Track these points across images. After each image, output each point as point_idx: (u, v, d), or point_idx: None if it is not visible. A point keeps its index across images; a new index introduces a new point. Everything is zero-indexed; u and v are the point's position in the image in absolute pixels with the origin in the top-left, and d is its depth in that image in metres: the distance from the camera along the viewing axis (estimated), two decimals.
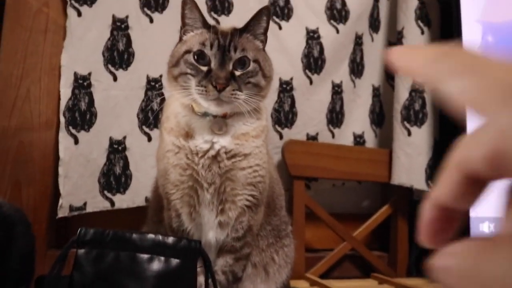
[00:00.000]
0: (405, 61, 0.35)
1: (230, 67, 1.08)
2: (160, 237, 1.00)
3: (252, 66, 1.11)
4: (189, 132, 1.13)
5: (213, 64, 1.07)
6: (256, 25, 1.16)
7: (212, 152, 1.11)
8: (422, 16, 1.91)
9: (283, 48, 1.79)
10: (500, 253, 0.27)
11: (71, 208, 1.51)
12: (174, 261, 0.97)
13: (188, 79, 1.08)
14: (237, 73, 1.09)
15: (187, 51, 1.10)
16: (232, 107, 1.09)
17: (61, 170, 1.50)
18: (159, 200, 1.24)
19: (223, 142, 1.11)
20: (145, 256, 0.97)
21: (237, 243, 1.17)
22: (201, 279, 1.07)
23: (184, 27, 1.16)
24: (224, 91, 1.04)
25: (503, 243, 0.28)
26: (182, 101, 1.14)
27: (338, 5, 1.90)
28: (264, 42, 1.18)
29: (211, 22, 1.58)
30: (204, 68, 1.07)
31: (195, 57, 1.09)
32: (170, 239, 1.00)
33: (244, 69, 1.10)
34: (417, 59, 0.34)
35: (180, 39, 1.17)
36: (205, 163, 1.11)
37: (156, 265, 0.96)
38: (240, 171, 1.13)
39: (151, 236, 0.99)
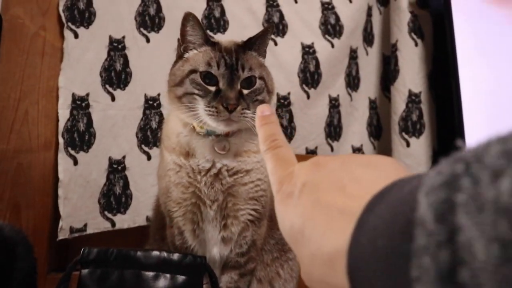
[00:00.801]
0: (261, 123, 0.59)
1: (238, 86, 1.06)
2: (165, 253, 0.98)
3: (258, 83, 1.10)
4: (189, 151, 1.11)
5: (221, 84, 1.05)
6: (261, 43, 1.15)
7: (214, 171, 1.10)
8: (415, 28, 1.94)
9: (280, 64, 1.80)
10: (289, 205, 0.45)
11: (72, 230, 1.49)
12: (180, 278, 0.96)
13: (194, 99, 1.05)
14: (245, 91, 1.07)
15: (193, 71, 1.07)
16: (240, 125, 1.07)
17: (60, 191, 1.49)
18: (161, 218, 1.23)
19: (225, 160, 1.10)
20: (150, 273, 0.96)
21: (241, 258, 1.16)
22: None
23: (184, 44, 1.13)
24: (235, 111, 1.02)
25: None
26: (185, 121, 1.11)
27: (332, 20, 1.93)
28: (265, 57, 1.19)
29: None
30: (213, 89, 1.05)
31: (202, 77, 1.06)
32: (175, 256, 0.98)
33: (252, 87, 1.08)
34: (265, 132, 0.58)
35: (180, 57, 1.14)
36: (207, 181, 1.10)
37: (162, 282, 0.95)
38: (242, 187, 1.13)
39: (155, 253, 0.98)
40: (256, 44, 1.14)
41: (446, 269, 0.25)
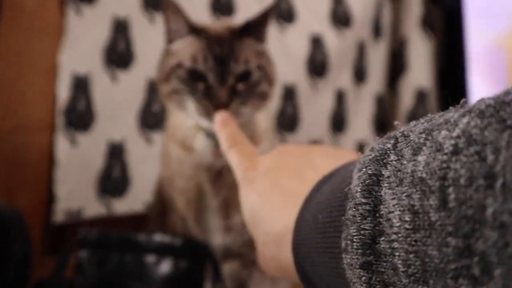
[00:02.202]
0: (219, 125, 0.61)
1: (231, 80, 0.94)
2: (167, 238, 0.94)
3: (256, 75, 0.97)
4: (190, 146, 1.05)
5: (211, 80, 0.93)
6: (259, 25, 1.02)
7: (215, 168, 1.05)
8: (426, 23, 1.90)
9: (286, 52, 1.76)
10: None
11: (68, 213, 1.45)
12: (183, 263, 0.92)
13: (183, 97, 0.95)
14: (240, 86, 0.96)
15: (178, 65, 0.95)
16: (238, 121, 1.01)
17: (57, 173, 1.44)
18: (162, 203, 1.19)
19: (225, 160, 1.06)
20: (152, 258, 0.91)
21: (244, 248, 1.12)
22: (207, 283, 1.01)
23: (168, 33, 1.01)
24: (228, 110, 0.90)
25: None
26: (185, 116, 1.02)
27: (342, 10, 1.89)
28: (264, 41, 1.05)
29: (207, 20, 1.56)
30: (201, 86, 0.94)
31: (188, 72, 0.94)
32: (178, 240, 0.95)
33: (248, 81, 0.97)
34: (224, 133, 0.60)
35: (166, 47, 1.02)
36: (209, 176, 1.06)
37: (164, 267, 0.91)
38: None
39: (158, 237, 0.94)
40: (254, 27, 1.01)
41: (368, 239, 0.27)
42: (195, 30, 0.99)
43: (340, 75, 1.88)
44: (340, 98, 1.87)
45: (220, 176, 1.06)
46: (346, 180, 0.32)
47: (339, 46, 1.87)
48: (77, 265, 0.89)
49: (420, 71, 1.88)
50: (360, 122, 1.95)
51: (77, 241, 0.91)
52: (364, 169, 0.29)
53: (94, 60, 1.53)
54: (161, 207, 1.23)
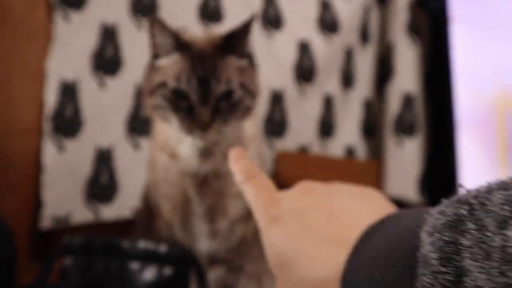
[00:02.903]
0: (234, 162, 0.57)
1: (213, 100, 0.96)
2: (152, 244, 0.95)
3: (238, 93, 0.99)
4: (175, 153, 1.06)
5: (193, 100, 0.95)
6: (241, 40, 1.02)
7: (200, 176, 1.06)
8: (412, 28, 1.92)
9: (274, 58, 1.78)
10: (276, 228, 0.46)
11: (54, 218, 1.44)
12: (167, 270, 0.92)
13: (166, 113, 0.97)
14: (223, 105, 0.97)
15: (163, 84, 0.97)
16: (220, 136, 1.00)
17: (44, 178, 1.44)
18: (149, 208, 1.20)
19: (210, 165, 1.05)
20: (137, 264, 0.92)
21: (230, 254, 1.13)
22: None
23: (153, 47, 1.01)
24: (210, 129, 0.94)
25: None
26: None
27: (329, 16, 1.90)
28: (246, 55, 1.04)
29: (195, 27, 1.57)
30: (184, 104, 0.95)
31: (172, 91, 0.96)
32: (163, 247, 0.95)
33: (230, 100, 0.98)
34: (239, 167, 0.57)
35: (152, 61, 1.02)
36: (194, 183, 1.07)
37: (148, 273, 0.91)
38: (230, 186, 1.09)
39: (142, 243, 0.95)
40: (236, 41, 1.01)
41: None
42: (181, 46, 0.99)
43: (327, 81, 1.89)
44: (328, 103, 1.89)
45: (206, 183, 1.07)
46: (407, 240, 0.31)
47: (326, 52, 1.88)
48: (61, 272, 0.90)
49: (407, 76, 1.91)
50: (348, 127, 1.97)
51: (61, 247, 0.91)
52: (437, 234, 0.28)
53: (82, 66, 1.53)
54: (147, 212, 1.23)
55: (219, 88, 0.96)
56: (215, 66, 0.97)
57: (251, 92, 1.04)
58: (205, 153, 1.04)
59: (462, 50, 1.80)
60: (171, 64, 0.99)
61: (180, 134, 0.98)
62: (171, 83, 0.96)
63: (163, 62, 1.01)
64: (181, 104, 0.96)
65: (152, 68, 1.02)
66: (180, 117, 0.95)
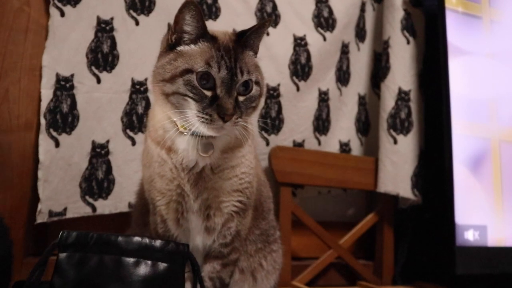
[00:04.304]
0: None
1: (236, 93, 0.98)
2: (146, 240, 0.96)
3: (254, 89, 1.02)
4: (172, 147, 1.07)
5: (219, 91, 0.96)
6: (256, 39, 1.07)
7: (197, 169, 1.07)
8: (408, 26, 1.93)
9: (271, 55, 1.78)
10: None
11: (51, 214, 1.45)
12: (162, 265, 0.93)
13: (185, 100, 0.97)
14: (241, 98, 1.00)
15: (188, 71, 0.97)
16: (229, 131, 1.02)
17: (40, 173, 1.45)
18: (144, 203, 1.21)
19: (208, 159, 1.06)
20: (131, 260, 0.93)
21: (225, 248, 1.14)
22: (187, 285, 1.03)
23: (177, 33, 1.02)
24: (230, 121, 0.96)
25: None
26: (171, 118, 1.03)
27: (325, 13, 1.90)
28: (257, 52, 1.10)
29: None
30: (209, 93, 0.96)
31: (199, 78, 0.96)
32: (158, 242, 0.96)
33: (247, 93, 1.01)
34: None
35: (171, 48, 1.02)
36: (190, 178, 1.07)
37: (143, 269, 0.92)
38: (226, 181, 1.10)
39: (137, 239, 0.95)
40: (252, 39, 1.06)
41: None
42: (208, 37, 1.01)
43: (323, 78, 1.90)
44: (323, 100, 1.89)
45: (201, 178, 1.08)
46: None
47: (322, 49, 1.88)
48: (56, 267, 0.90)
49: (402, 74, 1.91)
50: (344, 123, 1.97)
51: (56, 242, 0.92)
52: None
53: (78, 61, 1.53)
54: (142, 207, 1.24)
55: (242, 78, 0.99)
56: (238, 58, 1.00)
57: (261, 92, 1.07)
58: (205, 147, 1.05)
59: None
60: (199, 52, 0.99)
61: (193, 122, 0.97)
62: (200, 68, 0.96)
63: (188, 49, 1.00)
64: (205, 94, 0.96)
65: (172, 54, 1.01)
66: (204, 106, 0.95)
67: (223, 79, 0.96)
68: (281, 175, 1.70)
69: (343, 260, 1.84)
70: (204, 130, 0.96)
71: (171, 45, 1.02)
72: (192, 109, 0.96)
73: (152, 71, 1.04)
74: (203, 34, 1.00)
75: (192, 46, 1.00)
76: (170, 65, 0.99)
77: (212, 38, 1.01)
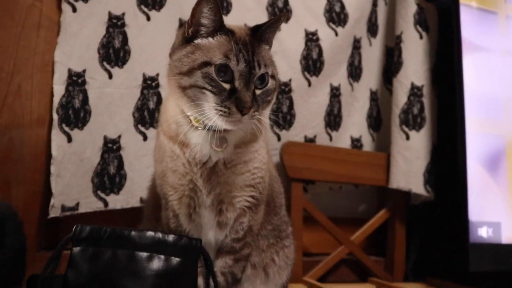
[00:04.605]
0: None
1: (253, 86, 0.98)
2: (160, 234, 0.95)
3: (270, 83, 1.02)
4: (185, 142, 1.06)
5: (237, 83, 0.96)
6: (271, 33, 1.07)
7: (210, 164, 1.07)
8: (421, 21, 1.91)
9: (282, 50, 1.77)
10: None
11: (63, 208, 1.46)
12: (175, 260, 0.93)
13: (202, 93, 0.97)
14: (257, 91, 1.00)
15: (207, 63, 0.97)
16: (245, 125, 1.01)
17: (53, 168, 1.45)
18: (156, 198, 1.21)
19: (221, 154, 1.06)
20: (144, 254, 0.93)
21: (237, 244, 1.14)
22: (200, 280, 1.03)
23: (194, 26, 1.01)
24: (247, 114, 0.96)
25: None
26: (185, 111, 1.03)
27: (337, 8, 1.89)
28: (271, 47, 1.10)
29: None
30: (227, 86, 0.96)
31: (217, 70, 0.96)
32: (171, 237, 0.96)
33: (263, 86, 1.01)
34: None
35: (188, 41, 1.01)
36: (203, 173, 1.07)
37: (156, 263, 0.92)
38: (239, 176, 1.10)
39: (150, 233, 0.95)
40: (267, 34, 1.06)
41: None
42: (225, 30, 1.01)
43: (335, 73, 1.88)
44: (335, 95, 1.88)
45: (214, 173, 1.08)
46: None
47: (334, 44, 1.87)
48: (70, 261, 0.90)
49: (415, 68, 1.89)
50: (356, 119, 1.96)
51: (70, 237, 0.92)
52: None
53: (90, 56, 1.53)
54: (155, 202, 1.24)
55: (259, 72, 0.99)
56: (255, 51, 1.00)
57: (276, 85, 1.07)
58: (220, 143, 1.04)
59: None
60: (217, 45, 0.99)
61: (210, 116, 0.96)
62: (219, 60, 0.96)
63: (205, 42, 1.00)
64: (224, 86, 0.96)
65: (189, 46, 1.00)
66: (222, 98, 0.95)
67: (241, 72, 0.96)
68: (292, 170, 1.70)
69: (355, 256, 1.83)
70: (221, 123, 0.96)
71: (187, 38, 1.02)
72: (209, 102, 0.96)
73: (167, 64, 1.05)
74: (220, 27, 1.00)
75: (210, 39, 1.00)
76: (187, 58, 0.99)
77: (229, 32, 1.00)
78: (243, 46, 0.98)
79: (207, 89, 0.96)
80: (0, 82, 1.46)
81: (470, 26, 1.79)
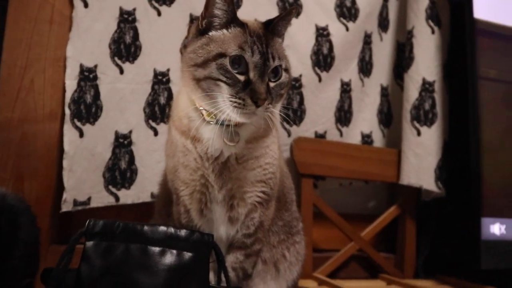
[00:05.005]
0: None
1: (267, 78, 0.98)
2: (172, 229, 0.96)
3: (284, 76, 1.02)
4: (197, 136, 1.06)
5: (252, 75, 0.96)
6: (283, 27, 1.07)
7: (222, 159, 1.07)
8: (433, 15, 1.89)
9: (293, 45, 1.76)
10: None
11: (75, 203, 1.47)
12: (187, 255, 0.93)
13: (216, 85, 0.96)
14: (271, 84, 1.00)
15: (222, 55, 0.97)
16: (258, 118, 1.01)
17: (65, 163, 1.47)
18: (167, 193, 1.21)
19: (233, 149, 1.06)
20: (157, 249, 0.93)
21: (248, 239, 1.14)
22: (211, 275, 1.03)
23: (208, 18, 1.01)
24: (262, 106, 0.95)
25: None
26: (197, 105, 1.03)
27: (348, 3, 1.88)
28: (283, 40, 1.10)
29: None
30: (242, 78, 0.96)
31: (231, 62, 0.96)
32: (183, 232, 0.96)
33: (277, 79, 1.01)
34: None
35: (202, 33, 1.02)
36: (215, 168, 1.07)
37: (168, 258, 0.92)
38: (250, 172, 1.10)
39: (163, 228, 0.96)
40: (280, 27, 1.06)
41: None
42: (239, 22, 1.01)
43: (346, 68, 1.87)
44: (345, 91, 1.87)
45: (225, 168, 1.08)
46: None
47: (345, 39, 1.86)
48: (84, 255, 0.91)
49: (427, 64, 1.87)
50: (366, 115, 1.95)
51: (83, 231, 0.92)
52: None
53: (102, 52, 1.54)
54: (166, 198, 1.25)
55: (273, 64, 0.99)
56: (269, 44, 1.00)
57: (289, 78, 1.07)
58: (231, 137, 1.04)
59: None
60: (232, 36, 0.99)
61: (224, 109, 0.96)
62: (233, 52, 0.96)
63: (220, 34, 1.00)
64: (238, 78, 0.96)
65: (204, 38, 1.00)
66: (237, 90, 0.95)
67: (256, 64, 0.96)
68: (302, 166, 1.70)
69: (365, 252, 1.83)
70: (235, 115, 0.96)
71: (201, 30, 1.02)
72: (223, 94, 0.96)
73: (181, 56, 1.05)
74: (233, 19, 1.01)
75: (224, 31, 1.00)
76: (202, 50, 0.99)
77: (243, 24, 1.01)
78: (257, 39, 0.98)
79: (221, 81, 0.96)
80: (14, 77, 1.47)
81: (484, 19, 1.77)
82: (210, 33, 1.01)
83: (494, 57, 1.78)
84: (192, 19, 1.64)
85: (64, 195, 1.45)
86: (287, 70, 1.04)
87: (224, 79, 0.95)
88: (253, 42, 0.97)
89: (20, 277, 0.99)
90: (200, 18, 1.02)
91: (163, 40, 1.62)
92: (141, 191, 1.56)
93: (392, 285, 1.72)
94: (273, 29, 1.04)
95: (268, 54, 0.98)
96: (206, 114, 1.03)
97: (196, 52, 0.99)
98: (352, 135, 1.90)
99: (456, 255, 1.83)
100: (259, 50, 0.97)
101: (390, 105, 2.02)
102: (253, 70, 0.96)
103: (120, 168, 1.55)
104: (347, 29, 1.86)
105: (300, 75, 1.78)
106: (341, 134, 1.86)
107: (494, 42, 1.80)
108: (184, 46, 1.06)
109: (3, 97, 1.45)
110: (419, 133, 1.84)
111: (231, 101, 0.95)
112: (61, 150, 1.48)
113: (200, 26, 1.02)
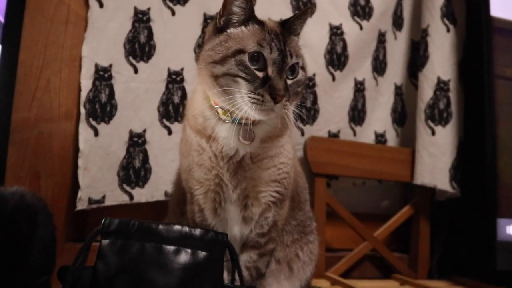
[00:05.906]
0: None
1: (285, 75, 0.99)
2: (187, 228, 0.96)
3: (301, 74, 1.03)
4: (212, 135, 1.06)
5: (270, 71, 0.97)
6: (299, 26, 1.08)
7: (237, 158, 1.07)
8: (448, 14, 1.87)
9: (306, 44, 1.75)
10: None
11: (90, 201, 1.49)
12: (201, 254, 0.94)
13: (235, 82, 0.97)
14: (289, 81, 1.00)
15: (240, 51, 0.97)
16: (275, 115, 1.00)
17: (80, 162, 1.48)
18: (181, 192, 1.22)
19: (248, 148, 1.06)
20: (172, 248, 0.94)
21: (262, 238, 1.14)
22: (224, 274, 1.03)
23: (226, 16, 1.02)
24: (280, 102, 0.95)
25: None
26: (211, 103, 1.04)
27: (362, 1, 1.87)
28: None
29: None
30: (260, 74, 0.96)
31: (250, 58, 0.96)
32: (197, 231, 0.96)
33: (294, 77, 1.01)
34: None
35: (220, 31, 1.02)
36: (230, 167, 1.07)
37: (183, 257, 0.93)
38: (264, 171, 1.10)
39: (177, 227, 0.96)
40: (296, 25, 1.07)
41: None
42: (257, 20, 1.02)
43: (359, 67, 1.86)
44: (359, 90, 1.86)
45: (240, 167, 1.08)
46: None
47: (359, 38, 1.85)
48: (99, 253, 0.92)
49: (442, 63, 1.85)
50: (380, 114, 1.94)
51: (99, 229, 0.94)
52: None
53: (116, 51, 1.56)
54: (180, 196, 1.25)
55: (291, 61, 0.99)
56: (286, 42, 1.01)
57: (306, 76, 1.07)
58: (247, 136, 1.04)
59: None
60: (250, 34, 1.00)
61: (241, 105, 0.96)
62: (252, 48, 0.96)
63: (238, 31, 1.01)
64: (257, 74, 0.96)
65: (222, 36, 1.01)
66: (256, 86, 0.95)
67: (274, 60, 0.97)
68: (316, 165, 1.69)
69: (378, 252, 1.82)
70: (253, 112, 0.96)
71: (219, 28, 1.03)
72: (242, 90, 0.96)
73: (199, 54, 1.06)
74: (251, 17, 1.01)
75: (243, 28, 1.01)
76: (221, 47, 0.99)
77: (261, 22, 1.02)
78: (275, 36, 0.99)
79: (240, 77, 0.96)
80: (30, 77, 1.49)
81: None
82: (229, 31, 1.01)
83: (510, 56, 1.75)
84: (206, 18, 1.65)
85: (79, 194, 1.47)
86: (303, 68, 1.05)
87: (243, 75, 0.96)
88: (272, 39, 0.98)
89: (38, 275, 1.01)
90: (218, 16, 1.03)
91: (177, 40, 1.63)
92: (155, 189, 1.58)
93: (405, 285, 1.71)
94: (289, 27, 1.05)
95: (286, 51, 0.98)
96: (221, 113, 1.03)
97: (215, 49, 1.00)
98: (366, 135, 1.89)
99: (471, 255, 1.81)
100: (278, 47, 0.98)
101: (404, 104, 2.01)
102: (272, 66, 0.97)
103: (134, 166, 1.56)
104: (361, 28, 1.85)
105: (314, 74, 1.78)
106: (354, 134, 1.85)
107: (511, 41, 1.77)
108: (199, 45, 1.07)
109: (20, 97, 1.47)
110: (433, 133, 1.82)
111: (249, 97, 0.95)
112: (76, 149, 1.50)
113: (218, 24, 1.03)
